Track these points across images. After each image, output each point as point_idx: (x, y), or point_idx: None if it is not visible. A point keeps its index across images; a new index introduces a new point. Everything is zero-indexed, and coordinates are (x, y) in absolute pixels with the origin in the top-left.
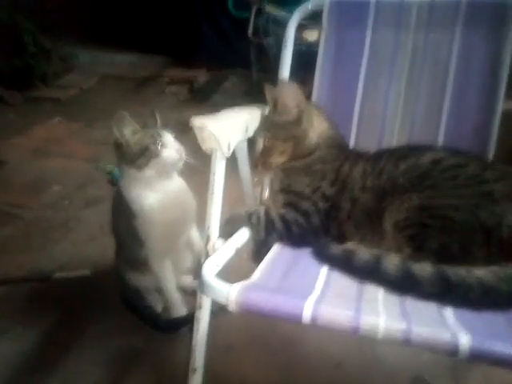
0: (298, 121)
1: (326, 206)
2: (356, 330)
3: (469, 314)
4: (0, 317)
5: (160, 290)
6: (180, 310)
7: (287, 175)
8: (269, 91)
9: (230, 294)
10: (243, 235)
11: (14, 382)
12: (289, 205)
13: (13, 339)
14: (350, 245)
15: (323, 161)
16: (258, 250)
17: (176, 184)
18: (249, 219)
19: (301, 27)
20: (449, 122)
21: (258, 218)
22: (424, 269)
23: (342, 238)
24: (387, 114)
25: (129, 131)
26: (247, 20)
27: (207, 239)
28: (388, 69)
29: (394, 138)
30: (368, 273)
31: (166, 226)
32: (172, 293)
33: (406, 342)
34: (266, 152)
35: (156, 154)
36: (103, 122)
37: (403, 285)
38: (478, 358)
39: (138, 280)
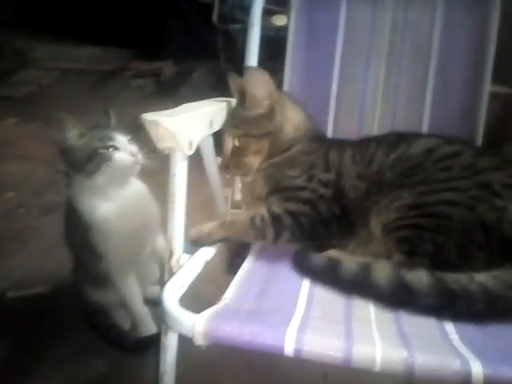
0: (270, 114)
1: (329, 193)
2: (348, 362)
3: (474, 331)
4: None
5: (125, 306)
6: (149, 326)
7: (270, 175)
8: (234, 81)
9: (197, 325)
10: (211, 246)
11: None
12: (288, 199)
13: None
14: (332, 252)
15: (306, 153)
16: (233, 260)
17: (134, 189)
18: (252, 224)
19: (269, 13)
20: (433, 105)
21: (262, 218)
22: (420, 278)
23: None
24: (366, 100)
25: (73, 135)
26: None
27: (170, 253)
28: (365, 51)
29: (374, 125)
30: (356, 286)
31: (126, 236)
32: (138, 308)
33: (409, 373)
34: (239, 152)
35: (107, 159)
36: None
37: (397, 298)
38: None
39: (99, 296)
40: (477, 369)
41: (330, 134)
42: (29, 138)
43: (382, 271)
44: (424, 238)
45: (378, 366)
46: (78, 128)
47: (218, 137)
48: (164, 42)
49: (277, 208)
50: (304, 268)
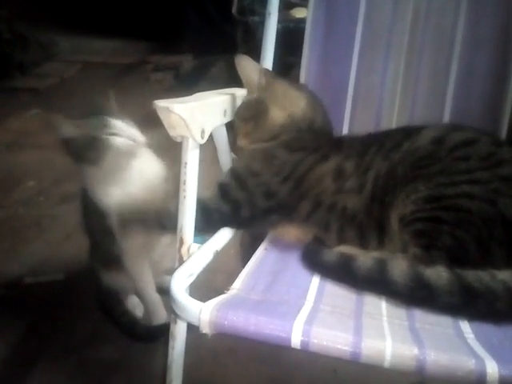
0: (259, 99)
1: (268, 205)
2: (357, 356)
3: (491, 331)
4: None
5: (138, 293)
6: (161, 314)
7: (244, 158)
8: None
9: (203, 314)
10: (223, 236)
11: None
12: (221, 189)
13: None
14: (344, 248)
15: (287, 147)
16: (246, 252)
17: (145, 170)
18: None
19: (289, 5)
20: (455, 98)
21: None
22: (439, 275)
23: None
24: (385, 91)
25: (69, 128)
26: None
27: (180, 242)
28: (385, 42)
29: (393, 118)
30: (371, 283)
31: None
32: (151, 295)
33: (420, 371)
34: (235, 133)
35: (106, 145)
36: (84, 113)
37: (416, 296)
38: None
39: (113, 281)
40: (492, 369)
41: (346, 127)
42: (49, 129)
43: (399, 267)
44: (442, 232)
45: (387, 362)
46: (72, 123)
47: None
48: (183, 35)
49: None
50: (315, 264)
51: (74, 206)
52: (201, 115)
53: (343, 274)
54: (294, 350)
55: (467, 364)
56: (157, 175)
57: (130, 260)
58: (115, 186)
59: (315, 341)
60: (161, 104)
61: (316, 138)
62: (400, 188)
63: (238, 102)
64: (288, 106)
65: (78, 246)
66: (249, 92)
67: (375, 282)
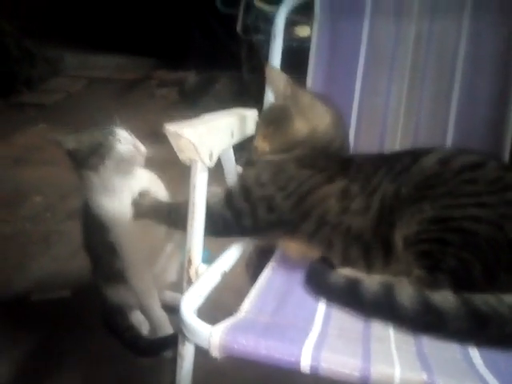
0: (283, 107)
1: (269, 218)
2: (365, 381)
3: (498, 356)
4: None
5: (142, 308)
6: (166, 330)
7: (256, 168)
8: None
9: (213, 337)
10: (230, 255)
11: None
12: (226, 196)
13: None
14: (347, 271)
15: (298, 162)
16: (255, 270)
17: (143, 182)
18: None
19: (292, 23)
20: (458, 119)
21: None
22: (446, 299)
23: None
24: (389, 113)
25: (73, 141)
26: (237, 17)
27: (189, 263)
28: (388, 63)
29: (397, 140)
30: (379, 308)
31: (139, 229)
32: (155, 310)
33: None
34: (255, 133)
35: (109, 150)
36: (90, 127)
37: (424, 321)
38: None
39: (117, 296)
40: None
41: (350, 148)
42: (56, 145)
43: (406, 291)
44: (447, 253)
45: None
46: (76, 135)
47: (239, 147)
48: (188, 51)
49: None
50: (320, 288)
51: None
52: (209, 139)
53: (349, 298)
54: (304, 374)
55: None
56: (157, 186)
57: (134, 274)
58: (115, 194)
59: (324, 365)
60: (171, 129)
61: (327, 159)
62: (404, 208)
63: (245, 124)
64: (312, 119)
65: (84, 262)
66: (276, 100)
67: (382, 307)
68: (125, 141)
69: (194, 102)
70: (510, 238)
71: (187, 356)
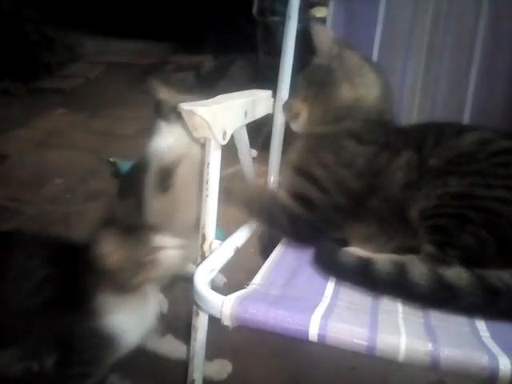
0: (328, 67)
1: (347, 206)
2: (372, 350)
3: (507, 330)
4: None
5: None
6: None
7: (307, 148)
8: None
9: (225, 307)
10: (243, 233)
11: None
12: (298, 197)
13: None
14: (356, 250)
15: (356, 137)
16: (267, 246)
17: None
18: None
19: (310, 5)
20: (475, 98)
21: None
22: (460, 275)
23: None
24: (404, 92)
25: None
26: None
27: (203, 239)
28: (405, 43)
29: (413, 118)
30: (393, 287)
31: None
32: None
33: (434, 366)
34: (293, 94)
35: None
36: (108, 112)
37: (438, 298)
38: None
39: None
40: (505, 365)
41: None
42: (76, 128)
43: (419, 269)
44: (466, 230)
45: (401, 357)
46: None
47: (252, 129)
48: (204, 36)
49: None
50: (330, 266)
51: (100, 203)
52: (222, 117)
53: (362, 278)
54: (313, 347)
55: (480, 360)
56: None
57: None
58: None
59: (331, 334)
60: (185, 107)
61: (386, 132)
62: (427, 180)
63: (259, 104)
64: (360, 87)
65: None
66: (320, 59)
67: (396, 286)
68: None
69: (210, 86)
70: None
71: (201, 328)
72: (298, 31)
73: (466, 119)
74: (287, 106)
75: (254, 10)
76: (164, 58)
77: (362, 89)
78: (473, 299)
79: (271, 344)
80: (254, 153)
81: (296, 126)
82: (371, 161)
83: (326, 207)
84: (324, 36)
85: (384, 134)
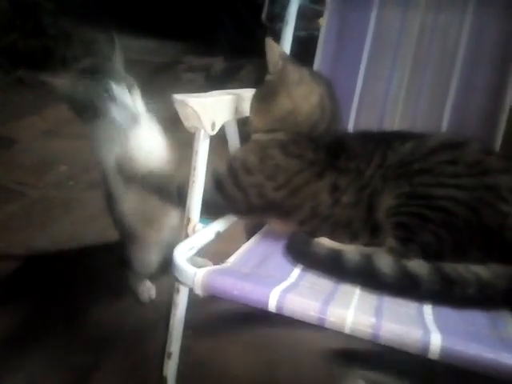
0: (272, 80)
1: (261, 203)
2: (322, 321)
3: (450, 314)
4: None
5: None
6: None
7: (243, 149)
8: None
9: (197, 277)
10: (226, 220)
11: None
12: (216, 183)
13: (0, 314)
14: (325, 240)
15: (283, 148)
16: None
17: (147, 138)
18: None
19: (317, 14)
20: (454, 108)
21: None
22: (421, 266)
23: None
24: (389, 99)
25: (67, 83)
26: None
27: (187, 221)
28: (393, 50)
29: (395, 124)
30: (361, 276)
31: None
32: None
33: (375, 338)
34: (249, 110)
35: (101, 112)
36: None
37: (401, 286)
38: (449, 358)
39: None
40: (436, 339)
41: (350, 130)
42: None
43: (385, 260)
44: (425, 228)
45: (347, 328)
46: (70, 80)
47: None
48: (216, 38)
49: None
50: (301, 256)
51: (100, 192)
52: (212, 110)
53: (332, 267)
54: (293, 335)
55: (415, 334)
56: (157, 145)
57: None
58: (115, 145)
59: (288, 306)
60: (178, 97)
61: (315, 149)
62: (388, 186)
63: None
64: (296, 97)
65: (100, 227)
66: (270, 74)
67: (364, 275)
68: (120, 100)
69: (219, 87)
70: (485, 223)
71: (180, 304)
72: (303, 38)
73: (444, 128)
74: (248, 121)
75: (264, 16)
76: (176, 58)
77: (298, 100)
78: (431, 287)
79: (252, 333)
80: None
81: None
82: (292, 177)
83: (242, 203)
84: (273, 51)
85: (312, 150)
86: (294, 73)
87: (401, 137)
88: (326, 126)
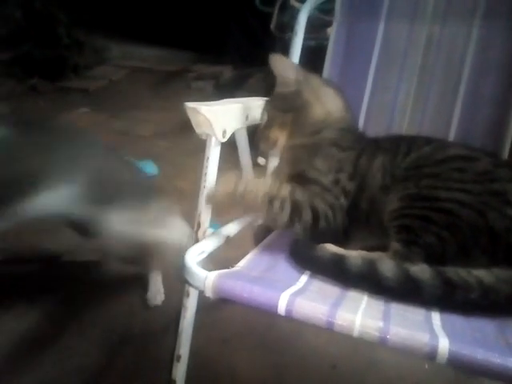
0: (297, 92)
1: (345, 204)
2: (331, 324)
3: (457, 321)
4: (6, 294)
5: None
6: None
7: (296, 156)
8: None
9: (208, 280)
10: (236, 225)
11: (11, 358)
12: (314, 195)
13: (15, 316)
14: (330, 246)
15: (336, 145)
16: (260, 237)
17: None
18: (269, 204)
19: (326, 24)
20: (461, 118)
21: (283, 202)
22: (424, 270)
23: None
24: (397, 108)
25: None
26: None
27: (198, 226)
28: (400, 62)
29: (402, 133)
30: (364, 280)
31: None
32: None
33: (382, 342)
34: (267, 124)
35: None
36: (128, 113)
37: (404, 290)
38: (456, 363)
39: None
40: (443, 345)
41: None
42: (97, 126)
43: (387, 265)
44: (428, 231)
45: (356, 332)
46: None
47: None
48: (226, 47)
49: (301, 198)
50: (305, 261)
51: None
52: (223, 117)
53: (336, 271)
54: (299, 342)
55: (423, 338)
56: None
57: None
58: None
59: (297, 309)
60: (190, 105)
61: (357, 138)
62: (394, 186)
63: (260, 110)
64: (327, 103)
65: None
66: (281, 85)
67: (367, 279)
68: None
69: (227, 96)
70: (491, 226)
71: (190, 307)
72: (312, 48)
73: (451, 138)
74: (264, 136)
75: (272, 26)
76: (186, 67)
77: (328, 104)
78: (433, 291)
79: (259, 338)
80: (263, 161)
81: (273, 152)
82: (355, 164)
83: (335, 205)
84: (288, 66)
85: (356, 140)
86: (317, 80)
87: (428, 142)
88: (352, 121)
